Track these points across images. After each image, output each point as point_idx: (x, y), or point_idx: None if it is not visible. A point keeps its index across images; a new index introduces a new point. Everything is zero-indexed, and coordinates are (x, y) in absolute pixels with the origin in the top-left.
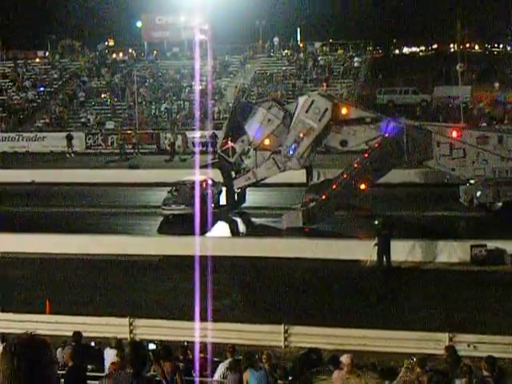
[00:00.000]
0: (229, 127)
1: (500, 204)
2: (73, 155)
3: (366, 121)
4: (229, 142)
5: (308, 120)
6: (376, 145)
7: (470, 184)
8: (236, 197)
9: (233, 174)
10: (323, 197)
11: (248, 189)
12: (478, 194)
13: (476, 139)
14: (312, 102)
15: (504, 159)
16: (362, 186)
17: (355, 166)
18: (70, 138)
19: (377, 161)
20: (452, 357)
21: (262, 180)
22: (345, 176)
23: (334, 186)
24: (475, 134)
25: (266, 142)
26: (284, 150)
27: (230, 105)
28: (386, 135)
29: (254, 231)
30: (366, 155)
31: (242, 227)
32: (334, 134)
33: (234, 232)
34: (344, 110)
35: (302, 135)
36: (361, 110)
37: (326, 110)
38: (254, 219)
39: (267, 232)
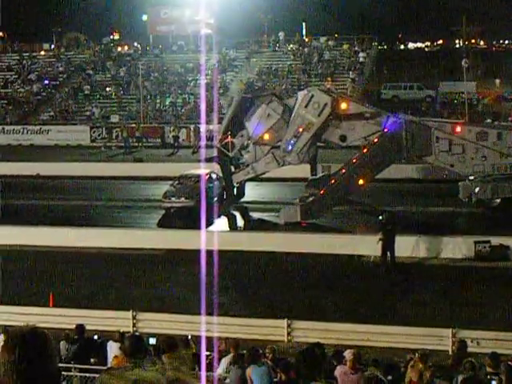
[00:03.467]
0: (229, 121)
1: (498, 200)
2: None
3: (365, 116)
4: (228, 137)
5: (307, 115)
6: (375, 140)
7: (469, 180)
8: (235, 191)
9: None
10: (321, 192)
11: (254, 183)
12: (477, 190)
13: (475, 135)
14: (311, 97)
15: (503, 155)
16: (361, 181)
17: (354, 161)
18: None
19: (375, 156)
20: (461, 350)
21: (261, 175)
22: (343, 171)
23: (333, 181)
24: (474, 129)
25: (266, 136)
26: (283, 144)
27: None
28: (385, 130)
29: (252, 225)
30: (365, 150)
31: (240, 221)
32: (334, 128)
33: (232, 226)
34: (343, 105)
35: (301, 130)
36: (360, 105)
37: (326, 104)
38: (253, 213)
39: (265, 226)
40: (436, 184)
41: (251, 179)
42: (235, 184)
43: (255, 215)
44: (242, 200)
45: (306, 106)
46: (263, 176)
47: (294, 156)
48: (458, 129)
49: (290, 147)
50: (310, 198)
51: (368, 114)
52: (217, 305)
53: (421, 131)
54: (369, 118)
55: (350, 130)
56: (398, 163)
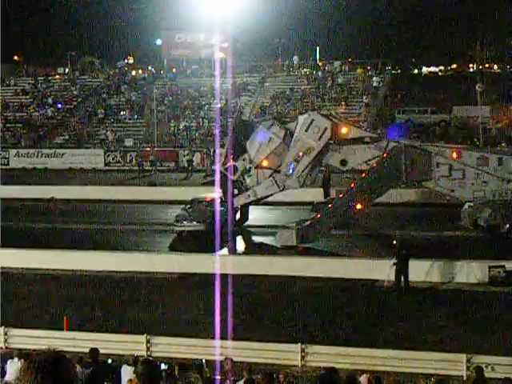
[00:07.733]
0: (231, 145)
1: (507, 226)
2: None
3: (365, 140)
4: (231, 160)
5: (307, 139)
6: (374, 165)
7: (470, 207)
8: (239, 214)
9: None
10: (317, 216)
11: (268, 207)
12: (487, 215)
13: (476, 160)
14: (312, 121)
15: (504, 181)
16: (359, 206)
17: (352, 185)
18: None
19: (374, 181)
20: (478, 375)
21: (262, 199)
22: (341, 195)
23: (330, 206)
24: (475, 155)
25: (267, 160)
26: (284, 168)
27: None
28: (385, 155)
29: (252, 249)
30: (363, 175)
31: (240, 245)
32: (334, 153)
33: (232, 250)
34: (344, 130)
35: (301, 154)
36: (360, 129)
37: (326, 129)
38: (261, 238)
39: (263, 250)
40: (439, 208)
41: (254, 203)
42: (237, 207)
43: (261, 239)
44: (247, 224)
45: (306, 130)
46: (281, 200)
47: (295, 180)
48: (455, 155)
49: (290, 171)
50: (307, 222)
51: (368, 138)
52: (231, 329)
53: (421, 156)
54: (369, 143)
55: (351, 154)
56: (401, 188)
